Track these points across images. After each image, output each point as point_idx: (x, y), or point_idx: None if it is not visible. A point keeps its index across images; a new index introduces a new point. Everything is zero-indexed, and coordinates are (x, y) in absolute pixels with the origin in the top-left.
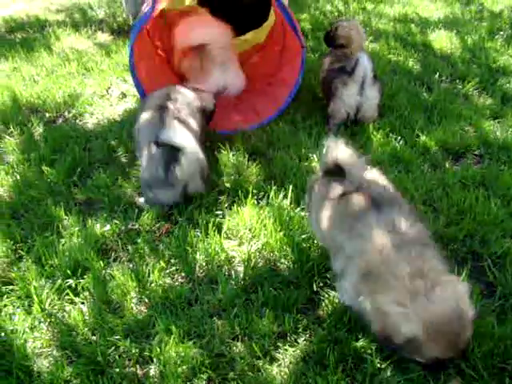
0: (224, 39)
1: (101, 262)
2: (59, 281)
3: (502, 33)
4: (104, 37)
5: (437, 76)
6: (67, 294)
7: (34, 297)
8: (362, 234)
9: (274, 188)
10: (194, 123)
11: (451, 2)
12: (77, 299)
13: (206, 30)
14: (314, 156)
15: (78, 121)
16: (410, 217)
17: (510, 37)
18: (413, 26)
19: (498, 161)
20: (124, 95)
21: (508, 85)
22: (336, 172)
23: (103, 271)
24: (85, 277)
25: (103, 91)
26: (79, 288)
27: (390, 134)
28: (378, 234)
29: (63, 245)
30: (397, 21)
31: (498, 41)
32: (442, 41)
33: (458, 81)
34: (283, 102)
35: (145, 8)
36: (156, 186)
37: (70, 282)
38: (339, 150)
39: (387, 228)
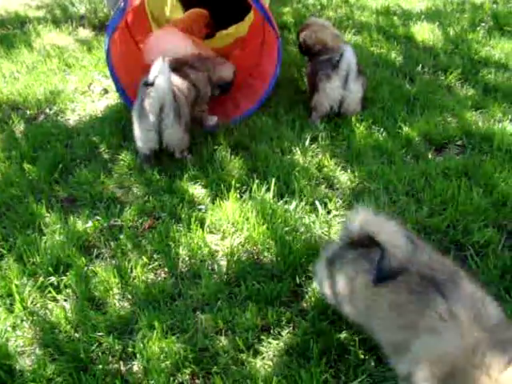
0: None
1: (83, 259)
2: (41, 278)
3: (483, 24)
4: (85, 33)
5: (419, 68)
6: (49, 292)
7: (16, 295)
8: (436, 329)
9: (256, 181)
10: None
11: None
12: (59, 296)
13: (169, 47)
14: (297, 149)
15: (59, 117)
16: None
17: (491, 28)
18: (395, 18)
19: (480, 151)
20: (106, 91)
21: (489, 76)
22: (364, 243)
23: (86, 268)
24: (67, 274)
25: (85, 87)
26: (61, 285)
27: (373, 126)
28: (464, 327)
29: (45, 242)
30: (379, 13)
31: (480, 32)
32: (425, 33)
33: (440, 72)
34: (263, 93)
35: (120, 3)
36: (136, 121)
37: (52, 279)
38: (368, 218)
39: (468, 316)
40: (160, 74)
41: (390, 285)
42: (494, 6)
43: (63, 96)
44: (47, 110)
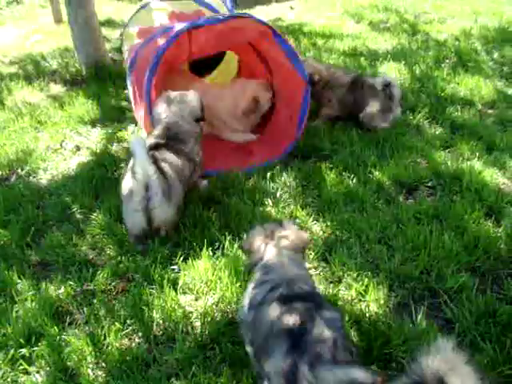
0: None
1: (56, 328)
2: (12, 351)
3: (447, 61)
4: (57, 88)
5: None
6: (21, 364)
7: None
8: None
9: (228, 238)
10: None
11: (398, 33)
12: (31, 369)
13: None
14: (269, 200)
15: (31, 177)
16: None
17: (455, 64)
18: (362, 59)
19: (450, 191)
20: (78, 148)
21: (456, 113)
22: None
23: (58, 337)
24: (39, 344)
25: (57, 145)
26: (33, 356)
27: (344, 173)
28: None
29: (16, 311)
30: (347, 55)
31: (445, 69)
32: (392, 72)
33: (408, 112)
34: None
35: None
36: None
37: (24, 351)
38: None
39: None
40: (136, 152)
41: None
42: (457, 42)
43: (35, 155)
44: (19, 171)
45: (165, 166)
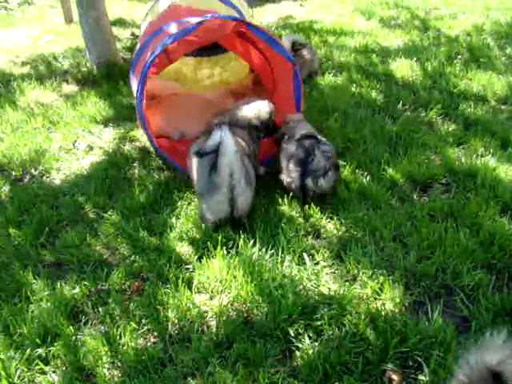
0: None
1: (71, 327)
2: (28, 350)
3: (460, 57)
4: (69, 88)
5: (400, 105)
6: (37, 364)
7: (1, 371)
8: None
9: (242, 236)
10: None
11: (409, 29)
12: (47, 368)
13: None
14: (284, 199)
15: (44, 178)
16: None
17: (467, 61)
18: (374, 56)
19: (465, 188)
20: (90, 148)
21: (469, 109)
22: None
23: (74, 337)
24: (55, 344)
25: (69, 145)
26: (49, 356)
27: (357, 170)
28: None
29: (32, 311)
30: (358, 52)
31: (457, 65)
32: (404, 69)
33: (421, 109)
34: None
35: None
36: (204, 194)
37: (40, 351)
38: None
39: None
40: (225, 141)
41: None
42: (468, 38)
43: (48, 155)
44: (32, 171)
45: (240, 151)
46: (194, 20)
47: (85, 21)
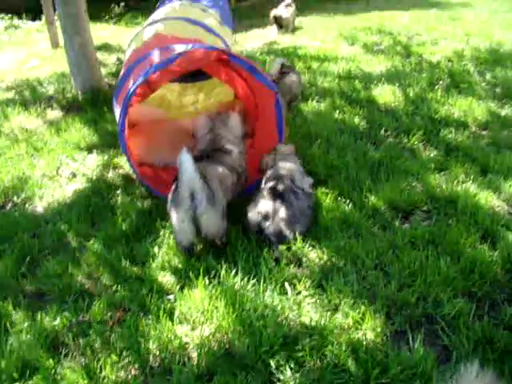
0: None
1: (51, 360)
2: None
3: (441, 82)
4: (54, 114)
5: (382, 131)
6: None
7: None
8: None
9: (224, 266)
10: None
11: (392, 55)
12: None
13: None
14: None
15: (27, 205)
16: None
17: (448, 86)
18: (357, 82)
19: (446, 215)
20: (74, 175)
21: (450, 135)
22: None
23: (53, 370)
24: (34, 378)
25: (53, 172)
26: None
27: (339, 198)
28: None
29: (11, 344)
30: (341, 78)
31: (438, 91)
32: (386, 95)
33: (403, 135)
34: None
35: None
36: (170, 213)
37: None
38: None
39: None
40: (183, 163)
41: None
42: (449, 64)
43: (31, 182)
44: (15, 198)
45: (208, 175)
46: (177, 48)
47: (70, 47)
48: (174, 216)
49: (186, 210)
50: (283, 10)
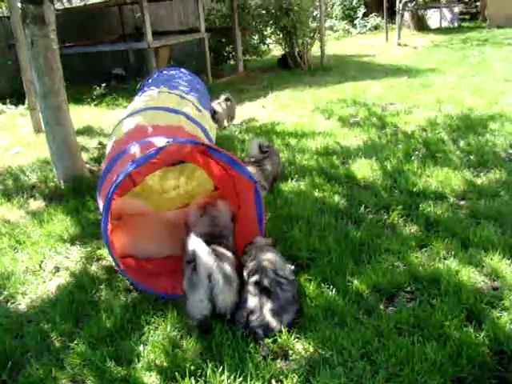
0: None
1: None
2: None
3: (417, 153)
4: (36, 204)
5: (362, 208)
6: None
7: None
8: None
9: (210, 365)
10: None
11: (368, 127)
12: None
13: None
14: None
15: (9, 304)
16: None
17: (425, 156)
18: (335, 157)
19: (430, 295)
20: (57, 269)
21: (429, 208)
22: None
23: None
24: None
25: (36, 266)
26: None
27: (322, 284)
28: None
29: None
30: (319, 154)
31: (415, 162)
32: (364, 169)
33: (383, 211)
34: None
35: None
36: (187, 293)
37: None
38: None
39: None
40: (197, 248)
41: None
42: (424, 133)
43: (14, 278)
44: None
45: (221, 256)
46: (157, 141)
47: (51, 138)
48: (192, 296)
49: (205, 291)
50: (216, 105)
